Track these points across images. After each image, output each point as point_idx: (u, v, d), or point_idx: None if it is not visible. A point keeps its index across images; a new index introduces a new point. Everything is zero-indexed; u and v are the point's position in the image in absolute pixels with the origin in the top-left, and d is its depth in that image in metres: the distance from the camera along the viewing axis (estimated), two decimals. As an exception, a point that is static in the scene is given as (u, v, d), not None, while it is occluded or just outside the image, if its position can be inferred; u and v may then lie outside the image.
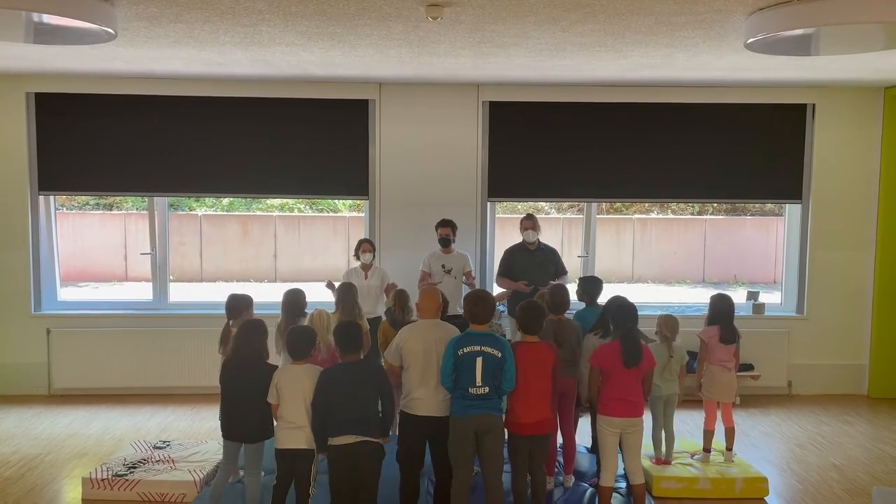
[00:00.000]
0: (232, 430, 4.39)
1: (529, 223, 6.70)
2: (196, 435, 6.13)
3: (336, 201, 13.66)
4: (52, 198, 7.40)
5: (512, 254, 6.81)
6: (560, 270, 6.71)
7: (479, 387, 4.08)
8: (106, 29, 4.14)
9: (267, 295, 7.10)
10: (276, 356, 5.09)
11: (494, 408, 4.16)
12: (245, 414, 4.29)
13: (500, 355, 4.12)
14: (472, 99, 7.24)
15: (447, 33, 4.89)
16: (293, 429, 4.09)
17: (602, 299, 5.41)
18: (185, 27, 4.78)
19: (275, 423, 4.22)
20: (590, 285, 5.61)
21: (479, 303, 4.20)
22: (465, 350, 4.10)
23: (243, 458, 4.51)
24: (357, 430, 4.01)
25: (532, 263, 6.64)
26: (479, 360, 4.08)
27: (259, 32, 4.92)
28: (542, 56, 5.67)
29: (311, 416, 4.09)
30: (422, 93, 7.22)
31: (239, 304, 5.10)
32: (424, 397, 4.28)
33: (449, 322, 4.57)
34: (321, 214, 14.39)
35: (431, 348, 4.25)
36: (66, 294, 8.12)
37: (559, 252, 6.89)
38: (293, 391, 4.12)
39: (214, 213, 14.18)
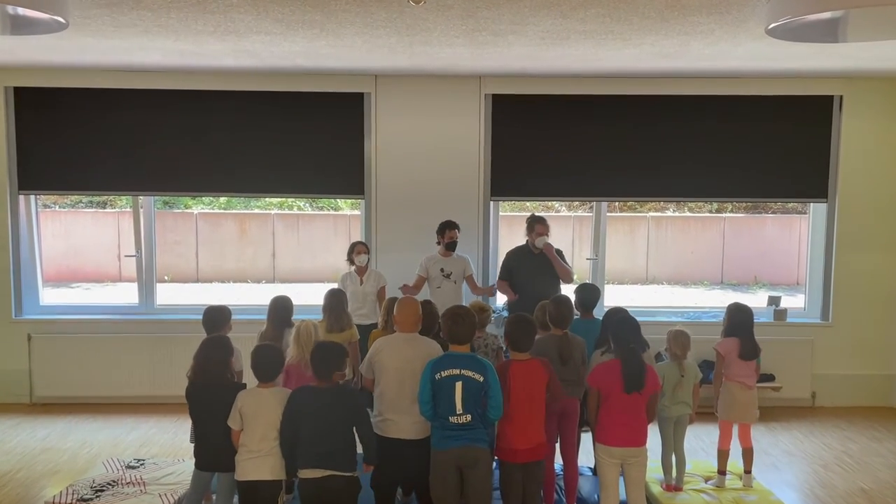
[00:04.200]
0: (203, 458, 4.02)
1: (542, 228, 6.22)
2: (176, 451, 5.78)
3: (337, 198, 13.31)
4: (32, 197, 7.07)
5: (513, 256, 6.39)
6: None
7: (459, 415, 3.67)
8: (56, 18, 3.76)
9: (265, 297, 6.68)
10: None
11: (479, 439, 3.73)
12: (215, 440, 3.92)
13: (482, 379, 3.70)
14: (473, 92, 6.81)
15: (436, 19, 4.48)
16: (256, 458, 3.72)
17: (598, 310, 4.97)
18: (150, 15, 4.42)
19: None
20: (586, 294, 5.14)
21: (459, 321, 3.77)
22: (444, 374, 3.69)
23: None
24: (326, 464, 3.62)
25: (534, 266, 6.19)
26: (458, 385, 3.66)
27: (231, 20, 4.54)
28: (545, 45, 5.24)
29: (281, 444, 3.71)
30: (420, 85, 6.80)
31: (218, 318, 4.72)
32: (397, 419, 3.90)
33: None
34: (321, 213, 14.01)
35: (405, 367, 3.85)
36: (55, 296, 7.84)
37: (564, 252, 6.43)
38: (258, 417, 3.74)
39: (211, 210, 13.83)
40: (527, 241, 6.35)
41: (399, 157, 6.87)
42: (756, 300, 6.17)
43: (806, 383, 6.97)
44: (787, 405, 6.91)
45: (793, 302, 8.19)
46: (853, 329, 7.00)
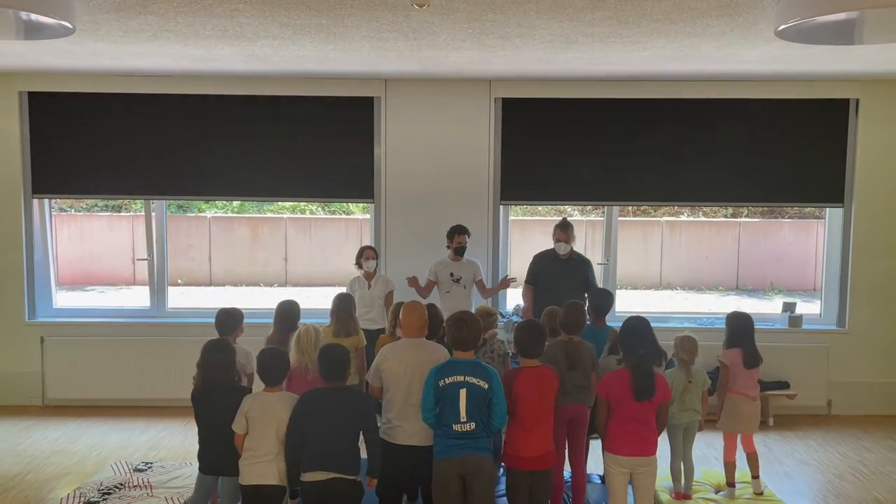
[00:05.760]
0: (209, 462, 4.01)
1: (562, 235, 6.07)
2: (185, 454, 5.78)
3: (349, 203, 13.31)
4: (46, 201, 7.13)
5: (539, 261, 6.30)
6: (592, 286, 6.06)
7: (463, 422, 3.63)
8: (63, 23, 3.78)
9: (277, 301, 6.65)
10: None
11: (483, 447, 3.69)
12: (220, 444, 3.90)
13: (486, 386, 3.66)
14: (483, 95, 6.79)
15: (442, 23, 4.45)
16: (261, 463, 3.70)
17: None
18: (157, 19, 4.43)
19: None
20: (599, 300, 5.06)
21: (463, 327, 3.73)
22: (448, 381, 3.65)
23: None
24: (330, 466, 3.60)
25: (559, 273, 6.09)
26: (462, 392, 3.62)
27: (239, 25, 4.55)
28: (553, 48, 5.20)
29: (286, 449, 3.70)
30: (430, 89, 6.78)
31: (230, 321, 4.71)
32: (406, 426, 3.86)
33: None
34: (333, 217, 14.03)
35: (413, 372, 3.82)
36: (70, 299, 7.88)
37: (593, 264, 6.32)
38: (264, 421, 3.73)
39: (224, 214, 13.90)
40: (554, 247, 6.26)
41: (409, 161, 6.86)
42: (772, 306, 6.09)
43: (821, 391, 6.85)
44: (802, 413, 6.80)
45: (810, 308, 8.07)
46: (870, 336, 6.87)
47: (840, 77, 6.50)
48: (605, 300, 5.15)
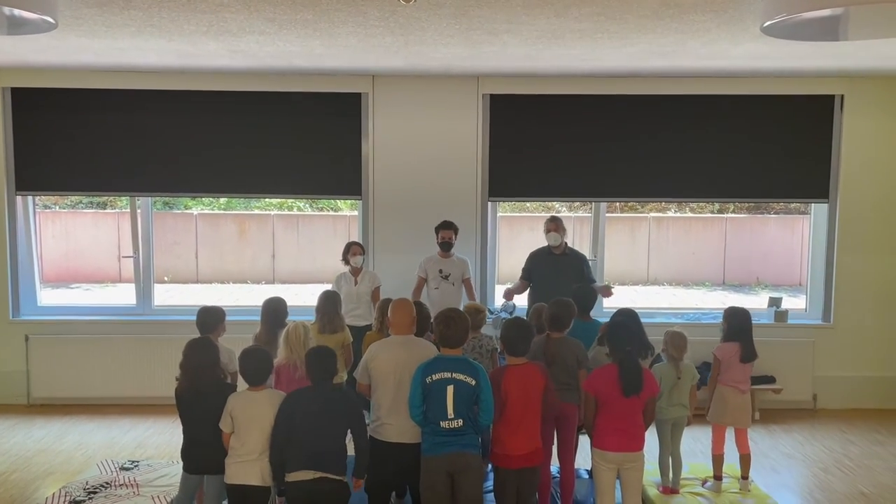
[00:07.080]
0: (192, 461, 3.99)
1: (552, 225, 6.19)
2: (171, 452, 5.74)
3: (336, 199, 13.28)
4: (30, 198, 7.07)
5: (533, 257, 6.35)
6: (588, 281, 6.08)
7: (451, 419, 3.62)
8: (45, 18, 3.74)
9: (264, 298, 6.62)
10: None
11: (470, 444, 3.69)
12: (203, 443, 3.89)
13: (473, 383, 3.65)
14: (471, 92, 6.77)
15: (429, 19, 4.44)
16: (246, 462, 3.68)
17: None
18: (141, 14, 4.39)
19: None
20: (580, 295, 5.07)
21: (451, 324, 3.72)
22: (434, 377, 3.65)
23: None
24: (317, 466, 3.58)
25: (552, 268, 6.13)
26: (449, 389, 3.62)
27: (223, 20, 4.51)
28: (541, 44, 5.20)
29: (271, 448, 3.68)
30: (418, 85, 6.76)
31: (211, 319, 4.68)
32: (395, 423, 3.85)
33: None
34: (320, 213, 13.99)
35: (402, 370, 3.81)
36: (55, 297, 7.80)
37: (588, 259, 6.35)
38: (249, 420, 3.70)
39: (211, 211, 13.82)
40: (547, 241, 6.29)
41: (397, 158, 6.84)
42: (758, 301, 6.13)
43: (807, 385, 6.90)
44: (787, 407, 6.84)
45: (796, 303, 8.13)
46: (855, 330, 6.93)
47: (825, 73, 6.53)
48: (588, 296, 5.16)
